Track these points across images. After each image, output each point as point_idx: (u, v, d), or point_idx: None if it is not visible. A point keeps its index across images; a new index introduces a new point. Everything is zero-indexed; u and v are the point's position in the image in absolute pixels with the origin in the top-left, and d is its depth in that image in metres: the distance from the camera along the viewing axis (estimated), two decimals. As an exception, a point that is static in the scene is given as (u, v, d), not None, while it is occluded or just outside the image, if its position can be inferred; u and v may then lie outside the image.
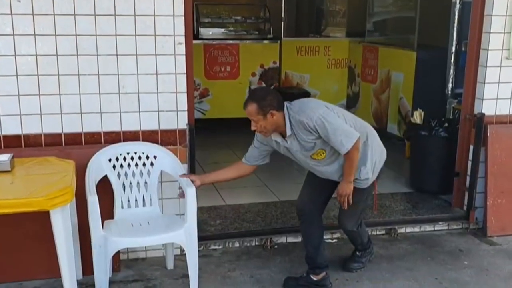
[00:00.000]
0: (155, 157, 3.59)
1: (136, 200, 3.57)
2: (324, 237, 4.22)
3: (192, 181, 3.39)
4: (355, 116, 3.43)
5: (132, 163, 3.55)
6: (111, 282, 3.54)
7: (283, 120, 3.17)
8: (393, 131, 6.64)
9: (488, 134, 4.31)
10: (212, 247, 4.07)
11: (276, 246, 4.13)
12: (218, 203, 4.82)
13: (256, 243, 4.15)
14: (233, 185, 5.37)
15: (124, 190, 3.54)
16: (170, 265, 3.75)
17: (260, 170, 5.82)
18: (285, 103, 3.21)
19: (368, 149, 3.32)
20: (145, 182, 3.57)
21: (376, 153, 3.38)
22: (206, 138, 6.73)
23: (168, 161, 3.59)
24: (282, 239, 4.20)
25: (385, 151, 3.47)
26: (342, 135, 3.12)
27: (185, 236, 3.27)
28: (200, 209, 4.43)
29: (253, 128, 3.23)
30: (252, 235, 4.20)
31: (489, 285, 3.64)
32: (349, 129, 3.17)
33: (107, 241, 3.15)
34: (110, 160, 3.50)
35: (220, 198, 4.97)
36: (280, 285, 3.58)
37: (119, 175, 3.52)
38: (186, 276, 3.65)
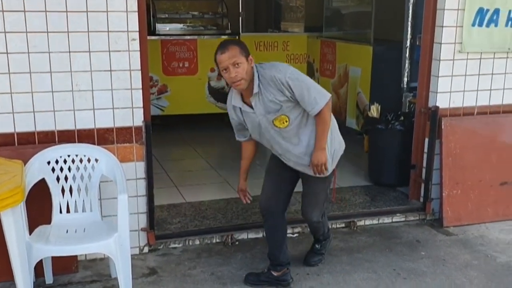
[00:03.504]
0: (96, 160, 3.45)
1: (75, 205, 3.44)
2: (286, 232, 4.25)
3: (246, 191, 3.62)
4: None
5: (73, 166, 3.43)
6: (68, 283, 3.50)
7: (253, 76, 3.06)
8: (352, 126, 6.71)
9: (443, 127, 4.39)
10: (172, 245, 4.03)
11: (237, 243, 4.12)
12: (178, 201, 4.78)
13: (217, 240, 4.13)
14: (193, 182, 5.38)
15: (63, 194, 3.41)
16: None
17: (220, 166, 5.89)
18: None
19: (329, 136, 3.25)
20: (86, 186, 3.45)
21: (336, 141, 3.34)
22: (165, 135, 6.69)
23: (109, 164, 3.44)
24: (243, 235, 4.20)
25: (343, 142, 3.44)
26: (315, 92, 3.06)
27: (114, 246, 3.13)
28: (159, 208, 4.42)
29: (233, 74, 2.99)
30: (213, 232, 4.18)
31: (445, 275, 3.71)
32: (322, 88, 3.11)
33: (31, 248, 3.02)
34: (49, 162, 3.37)
35: (179, 195, 4.93)
36: (241, 281, 3.57)
37: (58, 179, 3.38)
38: (147, 275, 3.62)
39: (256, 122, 3.20)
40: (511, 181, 4.59)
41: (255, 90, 3.07)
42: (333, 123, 3.31)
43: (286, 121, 3.14)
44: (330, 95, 3.11)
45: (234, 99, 3.21)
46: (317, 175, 3.26)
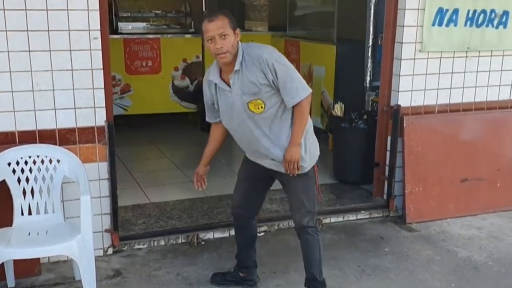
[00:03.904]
0: (58, 161, 3.39)
1: (37, 206, 3.37)
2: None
3: (201, 177, 3.33)
4: None
5: (34, 167, 3.36)
6: (31, 286, 3.43)
7: (237, 51, 2.92)
8: (317, 124, 6.73)
9: (405, 125, 4.46)
10: (137, 246, 3.99)
11: (203, 243, 4.10)
12: (142, 201, 4.73)
13: (183, 240, 4.10)
14: (158, 182, 5.34)
15: (25, 196, 3.34)
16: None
17: (185, 166, 5.85)
18: None
19: (305, 134, 3.09)
20: (47, 188, 3.38)
21: (311, 138, 3.16)
22: (129, 135, 6.61)
23: (71, 165, 3.39)
24: (209, 235, 4.18)
25: (317, 141, 3.27)
26: (298, 82, 2.93)
27: (77, 248, 3.08)
28: (123, 208, 4.37)
29: (219, 45, 2.84)
30: (178, 232, 4.15)
31: (409, 270, 3.78)
32: (305, 82, 2.98)
33: None
34: (9, 164, 3.29)
35: (144, 196, 4.88)
36: (207, 281, 3.56)
37: (19, 180, 3.31)
38: (111, 276, 3.58)
39: (229, 102, 3.02)
40: (471, 178, 4.70)
41: (237, 67, 2.91)
42: (310, 123, 3.18)
43: (262, 107, 2.96)
44: (311, 90, 2.99)
45: (212, 73, 3.03)
46: (289, 173, 3.06)
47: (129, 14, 7.80)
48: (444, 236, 4.33)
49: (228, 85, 2.99)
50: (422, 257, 3.97)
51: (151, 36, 7.33)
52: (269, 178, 3.27)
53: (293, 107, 3.00)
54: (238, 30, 2.94)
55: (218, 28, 2.84)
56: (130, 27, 7.54)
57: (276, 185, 3.33)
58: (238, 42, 2.94)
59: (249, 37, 7.74)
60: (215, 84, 3.05)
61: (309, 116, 3.11)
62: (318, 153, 3.22)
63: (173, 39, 7.47)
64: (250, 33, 8.37)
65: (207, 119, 3.28)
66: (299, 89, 2.94)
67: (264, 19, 8.61)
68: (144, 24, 7.80)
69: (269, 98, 2.95)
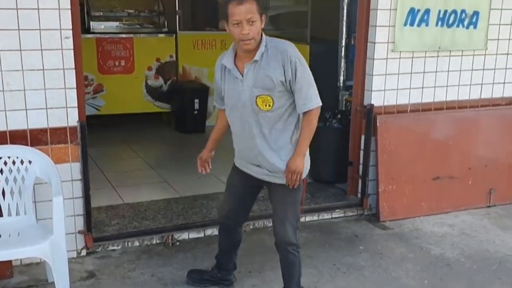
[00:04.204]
0: (30, 161, 3.34)
1: (9, 208, 3.32)
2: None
3: (206, 161, 3.19)
4: None
5: (5, 168, 3.30)
6: (3, 290, 3.38)
7: (260, 40, 2.80)
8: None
9: (378, 124, 4.51)
10: (111, 247, 3.95)
11: (178, 243, 4.08)
12: (116, 202, 4.68)
13: (157, 241, 4.08)
14: (132, 182, 5.29)
15: None
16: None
17: (160, 166, 5.81)
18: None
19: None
20: (19, 189, 3.33)
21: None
22: (102, 135, 6.54)
23: (43, 165, 3.34)
24: (184, 235, 4.16)
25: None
26: (314, 89, 2.85)
27: (50, 249, 3.05)
28: (97, 209, 4.33)
29: (245, 31, 2.69)
30: (153, 233, 4.12)
31: (383, 268, 3.81)
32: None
33: None
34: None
35: (118, 196, 4.83)
36: (183, 282, 3.54)
37: None
38: (85, 278, 3.54)
39: (237, 91, 2.87)
40: (443, 176, 4.76)
41: (257, 57, 2.78)
42: None
43: (269, 105, 2.82)
44: (321, 103, 2.90)
45: (226, 57, 2.88)
46: (288, 185, 2.90)
47: (101, 13, 7.70)
48: (417, 233, 4.38)
49: (241, 73, 2.86)
50: (395, 255, 4.01)
51: (124, 35, 7.26)
52: (258, 186, 3.15)
53: (303, 114, 2.89)
54: (264, 16, 2.80)
55: (247, 13, 2.68)
56: (102, 27, 7.47)
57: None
58: (262, 29, 2.81)
59: (224, 37, 7.73)
60: (225, 68, 2.90)
61: None
62: (309, 165, 3.09)
63: (146, 39, 7.42)
64: (225, 33, 8.34)
65: (214, 103, 3.18)
66: (313, 97, 2.85)
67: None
68: (117, 23, 7.73)
69: (279, 97, 2.83)
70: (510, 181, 5.03)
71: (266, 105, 2.83)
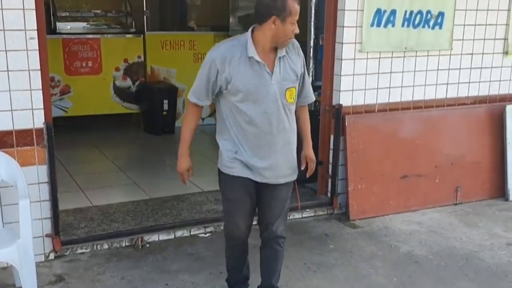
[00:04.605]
0: None
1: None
2: (197, 231, 4.23)
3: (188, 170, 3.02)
4: None
5: None
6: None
7: None
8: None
9: (346, 124, 4.55)
10: (79, 251, 3.89)
11: (148, 245, 4.05)
12: (84, 205, 4.62)
13: (127, 244, 4.03)
14: (100, 185, 5.23)
15: None
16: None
17: (129, 168, 5.76)
18: None
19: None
20: None
21: None
22: (70, 137, 6.46)
23: (8, 168, 3.29)
24: (154, 237, 4.13)
25: None
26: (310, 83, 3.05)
27: (17, 253, 3.01)
28: (64, 212, 4.26)
29: (297, 30, 2.80)
30: (122, 236, 4.08)
31: (353, 266, 3.85)
32: None
33: None
34: None
35: (86, 199, 4.77)
36: (153, 284, 3.51)
37: None
38: (53, 282, 3.48)
39: (262, 85, 2.78)
40: (410, 174, 4.83)
41: (282, 53, 2.82)
42: None
43: (293, 98, 2.90)
44: None
45: (249, 50, 2.76)
46: (306, 174, 3.11)
47: (67, 14, 7.60)
48: (386, 231, 4.44)
49: (268, 67, 2.81)
50: (365, 253, 4.06)
51: (91, 36, 7.20)
52: (256, 188, 3.01)
53: (301, 107, 3.06)
54: None
55: (298, 13, 2.79)
56: (69, 27, 7.37)
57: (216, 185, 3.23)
58: None
59: (192, 37, 7.73)
60: (255, 60, 2.77)
61: None
62: None
63: (114, 39, 7.35)
64: (193, 33, 8.33)
65: (193, 99, 2.90)
66: (311, 91, 3.05)
67: (207, 19, 8.58)
68: (83, 24, 7.63)
69: (297, 90, 2.95)
70: (475, 178, 5.14)
71: (291, 98, 2.90)
